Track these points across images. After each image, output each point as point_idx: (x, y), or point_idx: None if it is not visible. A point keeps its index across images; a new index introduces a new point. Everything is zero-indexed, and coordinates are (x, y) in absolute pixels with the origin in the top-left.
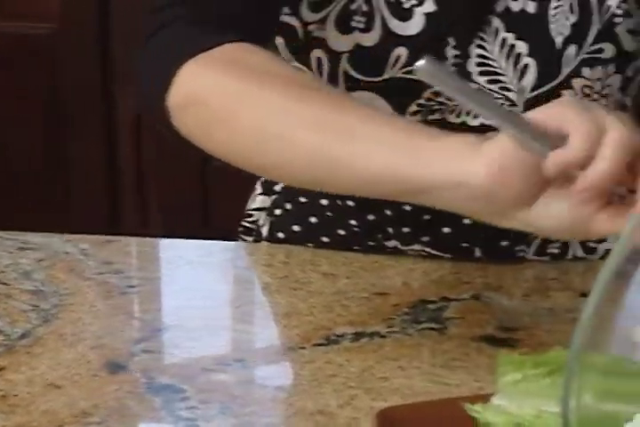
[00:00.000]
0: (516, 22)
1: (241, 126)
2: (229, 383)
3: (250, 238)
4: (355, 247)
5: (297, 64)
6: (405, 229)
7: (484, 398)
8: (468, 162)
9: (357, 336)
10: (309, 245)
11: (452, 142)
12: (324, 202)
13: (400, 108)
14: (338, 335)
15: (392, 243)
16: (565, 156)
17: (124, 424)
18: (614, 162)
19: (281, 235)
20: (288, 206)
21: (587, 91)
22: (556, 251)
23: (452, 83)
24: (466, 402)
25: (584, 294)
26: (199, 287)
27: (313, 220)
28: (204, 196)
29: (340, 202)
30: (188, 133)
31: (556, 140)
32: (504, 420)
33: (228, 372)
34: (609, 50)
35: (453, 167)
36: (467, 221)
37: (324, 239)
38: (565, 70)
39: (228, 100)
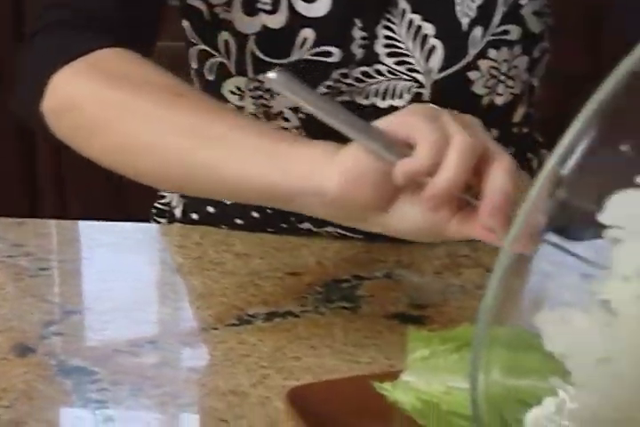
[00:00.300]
0: (423, 4)
1: (114, 134)
2: (141, 365)
3: (163, 220)
4: (268, 229)
5: (205, 47)
6: None
7: (394, 376)
8: (322, 171)
9: (270, 316)
10: (223, 226)
11: (310, 151)
12: None
13: None
14: (251, 315)
15: (305, 225)
16: (412, 165)
17: (33, 407)
18: (458, 170)
19: (195, 216)
20: None
21: (493, 72)
22: None
23: (302, 93)
24: (375, 380)
25: None
26: (112, 269)
27: (227, 201)
28: (118, 178)
29: None
30: (63, 138)
31: (405, 148)
32: (412, 397)
33: (141, 354)
34: (515, 31)
35: (309, 176)
36: None
37: (238, 221)
38: (472, 52)
39: (102, 107)
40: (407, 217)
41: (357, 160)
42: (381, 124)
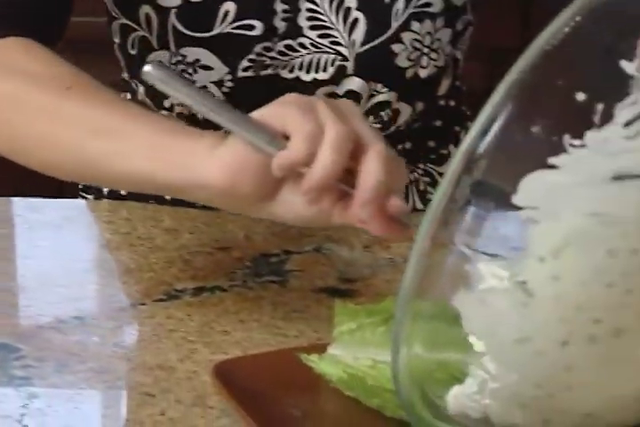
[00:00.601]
0: None
1: (6, 125)
2: (67, 341)
3: (91, 197)
4: (197, 205)
5: (126, 21)
6: None
7: (321, 349)
8: (203, 165)
9: (198, 291)
10: (152, 202)
11: (192, 145)
12: None
13: (231, 65)
14: (179, 291)
15: None
16: (287, 157)
17: None
18: (332, 162)
19: (123, 192)
20: None
21: (417, 45)
22: None
23: (179, 86)
24: (302, 353)
25: None
26: (40, 245)
27: None
28: None
29: None
30: None
31: (284, 140)
32: (339, 370)
33: (66, 330)
34: (437, 4)
35: (191, 170)
36: None
37: (167, 197)
38: (395, 24)
39: None
40: (292, 206)
41: (237, 154)
42: (256, 115)
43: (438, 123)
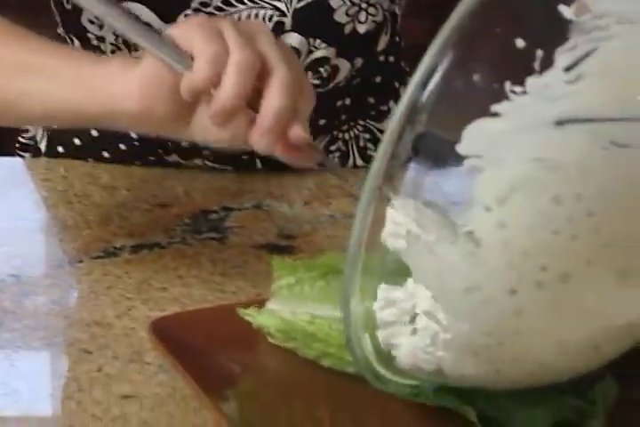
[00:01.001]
0: None
1: None
2: (3, 299)
3: (27, 155)
4: (136, 162)
5: None
6: (185, 144)
7: (260, 304)
8: (120, 87)
9: (137, 248)
10: (90, 160)
11: (109, 68)
12: None
13: (168, 20)
14: (116, 248)
15: (173, 157)
16: (192, 79)
17: None
18: (236, 84)
19: (61, 149)
20: None
21: (355, 0)
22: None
23: (100, 6)
24: (240, 308)
25: None
26: None
27: (94, 133)
28: None
29: None
30: None
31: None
32: (276, 322)
33: (3, 288)
34: None
35: (112, 95)
36: None
37: (105, 154)
38: None
39: None
40: (208, 129)
41: (150, 74)
42: (169, 34)
43: (378, 79)
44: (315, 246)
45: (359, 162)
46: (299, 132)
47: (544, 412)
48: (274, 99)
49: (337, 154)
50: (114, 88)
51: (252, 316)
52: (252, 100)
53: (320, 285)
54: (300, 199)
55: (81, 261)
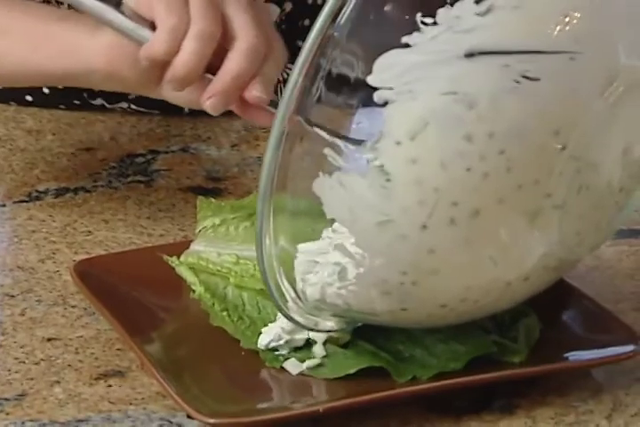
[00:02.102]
0: None
1: None
2: None
3: None
4: (60, 106)
5: None
6: None
7: (184, 246)
8: (87, 49)
9: (61, 192)
10: (12, 104)
11: (75, 30)
12: None
13: None
14: (41, 192)
15: (98, 101)
16: (150, 49)
17: None
18: (194, 54)
19: None
20: None
21: None
22: None
23: None
24: (165, 250)
25: None
26: None
27: None
28: None
29: None
30: None
31: (151, 31)
32: (201, 264)
33: None
34: None
35: (77, 56)
36: None
37: (29, 98)
38: None
39: None
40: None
41: (112, 43)
42: (128, 4)
43: (307, 22)
44: (243, 189)
45: None
46: (254, 94)
47: (466, 348)
48: (230, 63)
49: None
50: (82, 50)
51: (175, 263)
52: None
53: (245, 225)
54: (227, 142)
55: (4, 206)
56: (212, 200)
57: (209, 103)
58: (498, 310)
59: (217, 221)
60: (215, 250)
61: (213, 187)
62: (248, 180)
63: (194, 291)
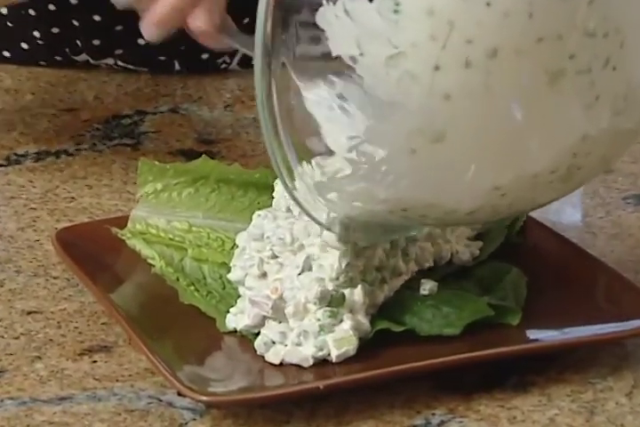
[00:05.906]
0: None
1: None
2: None
3: None
4: (41, 62)
5: None
6: (96, 42)
7: None
8: None
9: (42, 155)
10: None
11: None
12: (3, 11)
13: None
14: (20, 155)
15: (82, 57)
16: None
17: None
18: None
19: None
20: None
21: None
22: None
23: None
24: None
25: None
26: None
27: None
28: None
29: (21, 11)
30: None
31: None
32: (151, 232)
33: None
34: None
35: None
36: None
37: (6, 54)
38: None
39: None
40: None
41: None
42: None
43: None
44: (237, 152)
45: None
46: (196, 22)
47: (462, 313)
48: None
49: None
50: None
51: (125, 236)
52: None
53: (189, 191)
54: (220, 102)
55: None
56: (156, 163)
57: (147, 31)
58: (485, 217)
59: (159, 186)
60: (158, 217)
61: (205, 150)
62: (242, 142)
63: (152, 265)
